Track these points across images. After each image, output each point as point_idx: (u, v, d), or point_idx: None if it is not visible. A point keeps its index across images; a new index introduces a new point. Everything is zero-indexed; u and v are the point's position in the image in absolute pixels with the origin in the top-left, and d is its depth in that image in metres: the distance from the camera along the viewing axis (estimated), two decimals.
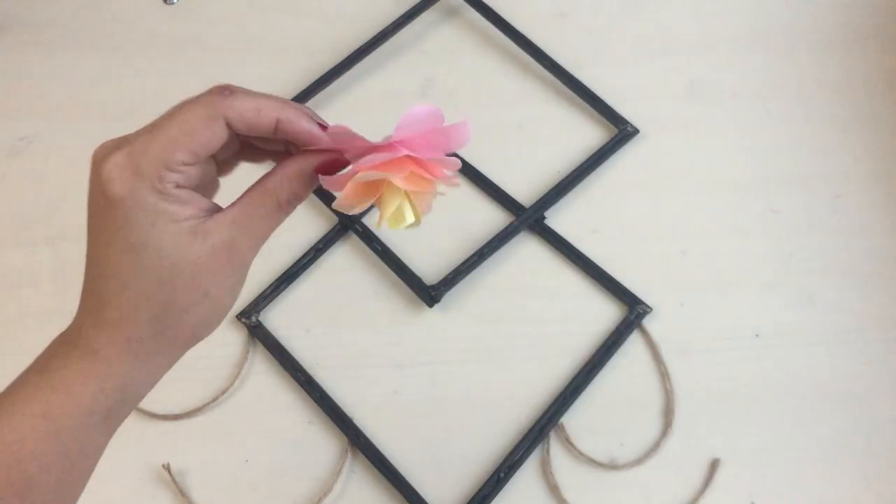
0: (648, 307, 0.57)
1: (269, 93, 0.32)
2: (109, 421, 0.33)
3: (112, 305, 0.32)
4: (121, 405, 0.33)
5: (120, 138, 0.31)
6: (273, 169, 0.34)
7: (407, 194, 0.33)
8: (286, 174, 0.33)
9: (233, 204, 0.33)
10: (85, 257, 0.33)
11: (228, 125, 0.31)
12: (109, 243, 0.31)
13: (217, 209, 0.32)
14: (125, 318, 0.32)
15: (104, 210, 0.30)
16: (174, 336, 0.33)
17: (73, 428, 0.32)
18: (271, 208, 0.33)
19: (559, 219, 0.61)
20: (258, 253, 0.34)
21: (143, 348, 0.32)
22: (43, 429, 0.31)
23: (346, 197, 0.32)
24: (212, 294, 0.32)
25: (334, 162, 0.33)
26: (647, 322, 0.57)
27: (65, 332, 0.34)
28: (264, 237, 0.34)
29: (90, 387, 0.32)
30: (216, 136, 0.31)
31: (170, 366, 0.34)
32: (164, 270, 0.31)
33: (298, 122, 0.32)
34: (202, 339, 0.34)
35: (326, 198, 0.61)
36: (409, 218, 0.33)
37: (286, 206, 0.34)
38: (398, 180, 0.31)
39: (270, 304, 0.59)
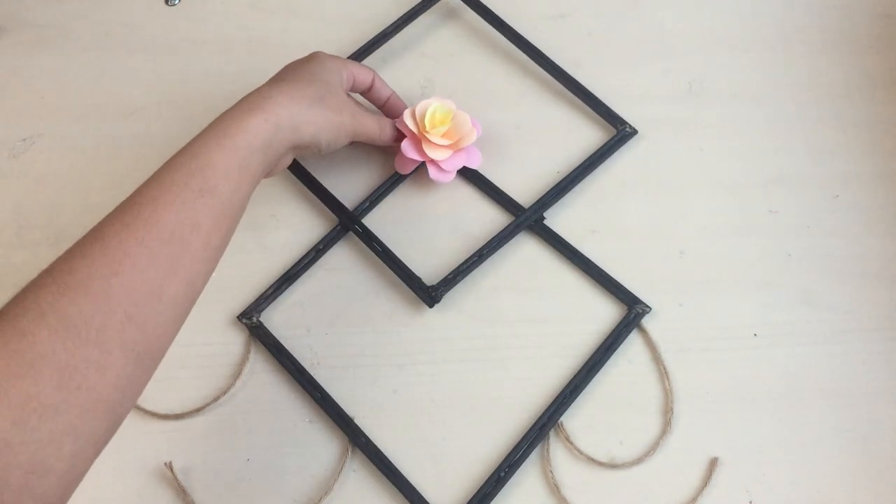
0: (648, 307, 0.57)
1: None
2: (265, 151, 0.47)
3: (289, 84, 0.51)
4: (274, 140, 0.48)
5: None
6: (383, 117, 0.61)
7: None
8: (389, 121, 0.61)
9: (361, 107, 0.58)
10: (270, 80, 0.54)
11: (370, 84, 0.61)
12: (304, 67, 0.55)
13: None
14: (295, 91, 0.51)
15: (309, 60, 0.56)
16: (314, 115, 0.51)
17: (245, 148, 0.46)
18: (375, 130, 0.59)
19: (558, 219, 0.61)
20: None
21: (297, 112, 0.50)
22: (225, 148, 0.45)
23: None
24: (341, 124, 0.54)
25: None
26: (647, 322, 0.57)
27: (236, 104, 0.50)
28: (361, 132, 0.57)
29: (257, 118, 0.47)
30: (368, 83, 0.61)
31: (309, 138, 0.52)
32: (329, 88, 0.54)
33: (397, 106, 0.63)
34: (321, 153, 0.55)
35: (326, 198, 0.61)
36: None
37: (377, 134, 0.59)
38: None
39: (271, 305, 0.59)
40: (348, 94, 0.57)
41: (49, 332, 0.36)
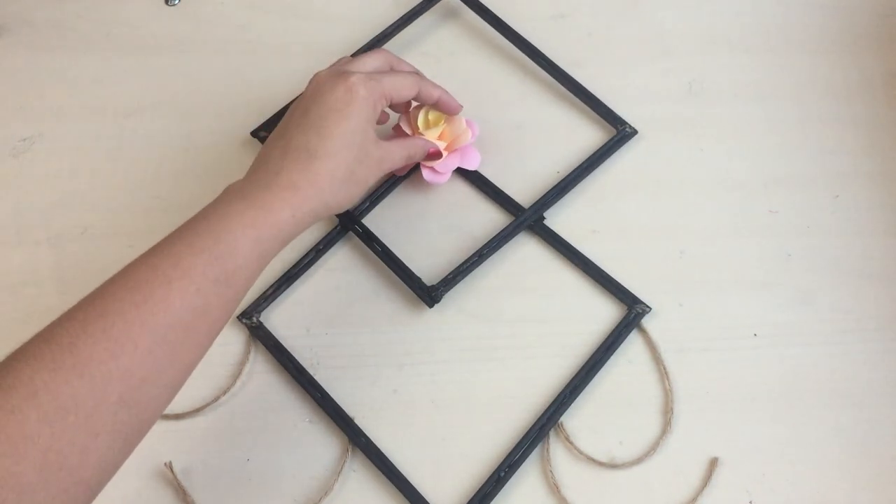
0: (647, 307, 0.57)
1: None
2: (285, 241, 0.46)
3: (324, 160, 0.46)
4: (295, 232, 0.46)
5: (340, 66, 0.52)
6: (407, 138, 0.57)
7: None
8: (421, 141, 0.58)
9: (386, 140, 0.53)
10: (291, 128, 0.48)
11: (416, 94, 0.54)
12: (339, 121, 0.47)
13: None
14: (328, 171, 0.46)
15: (343, 99, 0.47)
16: (341, 198, 0.48)
17: (268, 240, 0.44)
18: (416, 149, 0.57)
19: (558, 219, 0.61)
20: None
21: (326, 196, 0.46)
22: (250, 237, 0.43)
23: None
24: (364, 184, 0.50)
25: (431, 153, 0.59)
26: (647, 322, 0.57)
27: (245, 181, 0.46)
28: (390, 170, 0.54)
29: (285, 212, 0.44)
30: (411, 96, 0.54)
31: (324, 217, 0.48)
32: (360, 152, 0.48)
33: (450, 103, 0.59)
34: (339, 211, 0.51)
35: None
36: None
37: (405, 160, 0.56)
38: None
39: (271, 305, 0.59)
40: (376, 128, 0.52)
41: (39, 414, 0.34)
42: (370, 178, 0.50)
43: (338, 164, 0.46)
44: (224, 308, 0.42)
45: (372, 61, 0.52)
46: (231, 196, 0.45)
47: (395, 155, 0.53)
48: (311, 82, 0.50)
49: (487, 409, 0.55)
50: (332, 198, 0.47)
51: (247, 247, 0.43)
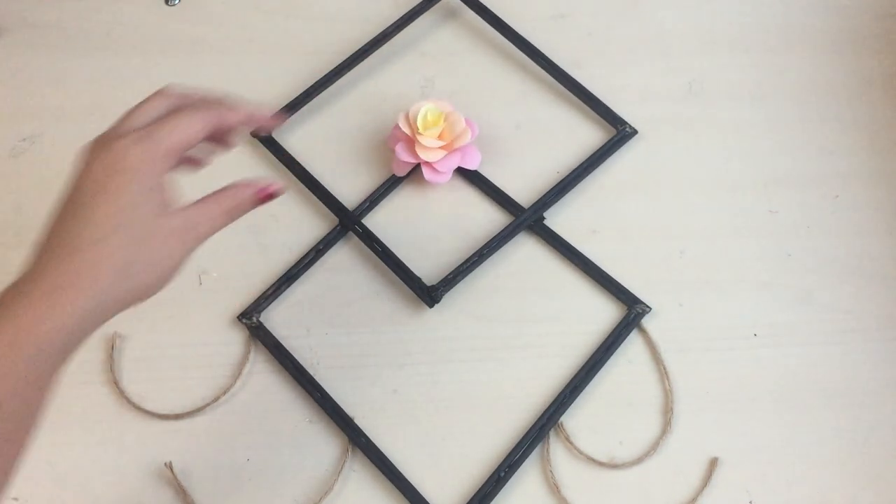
0: (647, 307, 0.57)
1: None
2: (64, 353, 0.36)
3: (88, 250, 0.37)
4: (75, 339, 0.37)
5: (111, 130, 0.41)
6: (226, 187, 0.43)
7: None
8: (246, 185, 0.43)
9: (194, 202, 0.41)
10: (55, 220, 0.38)
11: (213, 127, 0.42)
12: (103, 202, 0.37)
13: (179, 202, 0.40)
14: (97, 262, 0.36)
15: (108, 176, 0.37)
16: (128, 288, 0.38)
17: (35, 357, 0.35)
18: (233, 199, 0.42)
19: (558, 219, 0.61)
20: (200, 247, 0.41)
21: (104, 292, 0.37)
22: (10, 357, 0.34)
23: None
24: (162, 265, 0.39)
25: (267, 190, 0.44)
26: (647, 322, 0.57)
27: (21, 278, 0.37)
28: (208, 235, 0.41)
29: (54, 321, 0.35)
30: (207, 129, 0.41)
31: (114, 314, 0.38)
32: (140, 231, 0.37)
33: (257, 116, 0.46)
34: (142, 301, 0.39)
35: (326, 198, 0.62)
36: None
37: (229, 215, 0.42)
38: None
39: (271, 305, 0.59)
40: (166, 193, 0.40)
41: None
42: (174, 254, 0.39)
43: (109, 252, 0.37)
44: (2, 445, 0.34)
45: (150, 110, 0.42)
46: None
47: (204, 217, 0.41)
48: (79, 159, 0.40)
49: (487, 409, 0.55)
50: (113, 292, 0.37)
51: (11, 370, 0.34)
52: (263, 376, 0.56)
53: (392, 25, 0.68)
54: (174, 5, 0.72)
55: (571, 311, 0.58)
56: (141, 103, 0.42)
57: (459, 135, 0.60)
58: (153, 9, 0.72)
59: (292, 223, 0.62)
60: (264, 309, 0.59)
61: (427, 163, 0.60)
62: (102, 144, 0.39)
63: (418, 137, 0.60)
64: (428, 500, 0.52)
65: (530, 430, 0.53)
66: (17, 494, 0.52)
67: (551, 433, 0.54)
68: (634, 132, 0.64)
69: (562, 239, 0.60)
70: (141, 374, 0.56)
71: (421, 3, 0.70)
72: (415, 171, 0.62)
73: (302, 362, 0.56)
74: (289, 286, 0.59)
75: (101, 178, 0.38)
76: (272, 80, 0.68)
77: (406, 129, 0.60)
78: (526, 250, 0.61)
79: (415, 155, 0.60)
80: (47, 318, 0.35)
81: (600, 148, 0.63)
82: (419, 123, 0.59)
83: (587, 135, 0.65)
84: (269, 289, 0.58)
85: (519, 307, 0.58)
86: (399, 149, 0.61)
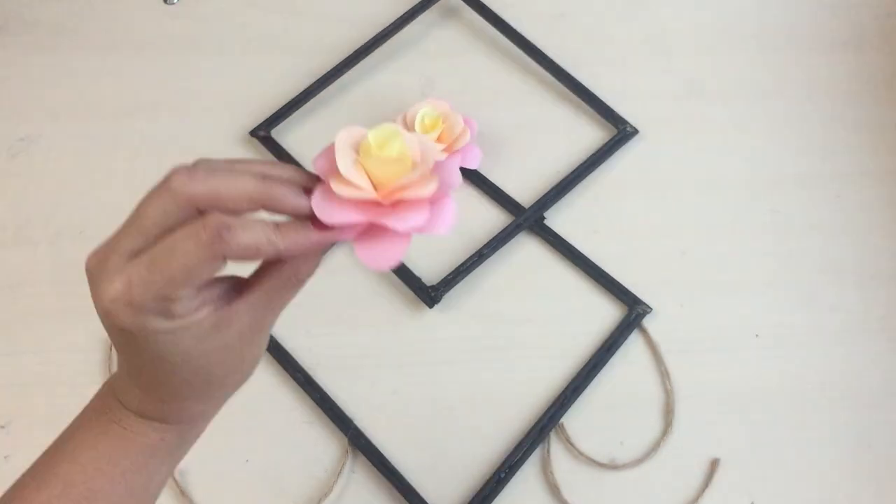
0: (648, 307, 0.57)
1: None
2: (170, 459, 0.36)
3: (159, 389, 0.33)
4: (180, 446, 0.36)
5: (107, 250, 0.32)
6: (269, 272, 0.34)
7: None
8: (305, 255, 0.34)
9: (251, 286, 0.33)
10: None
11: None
12: (136, 353, 0.32)
13: (233, 286, 0.33)
14: (174, 396, 0.34)
15: (117, 334, 0.31)
16: (218, 395, 0.36)
17: (137, 470, 0.34)
18: (291, 286, 0.34)
19: (559, 219, 0.61)
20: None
21: (194, 410, 0.35)
22: (109, 471, 0.33)
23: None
24: (245, 361, 0.34)
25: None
26: (647, 322, 0.57)
27: (113, 388, 0.35)
28: (284, 307, 0.34)
29: (153, 437, 0.34)
30: (216, 270, 0.30)
31: (218, 410, 0.37)
32: (197, 361, 0.32)
33: (299, 246, 0.32)
34: (241, 386, 0.37)
35: None
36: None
37: (304, 281, 0.34)
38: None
39: None
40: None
41: None
42: (252, 346, 0.35)
43: (173, 389, 0.34)
44: None
45: (148, 220, 0.31)
46: (92, 415, 0.36)
47: (261, 305, 0.34)
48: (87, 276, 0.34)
49: (487, 410, 0.55)
50: (205, 407, 0.37)
51: (109, 484, 0.34)
52: (263, 376, 0.56)
53: (391, 25, 0.68)
54: (173, 4, 0.72)
55: (572, 312, 0.58)
56: (144, 203, 0.32)
57: (459, 136, 0.60)
58: (152, 8, 0.72)
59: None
60: None
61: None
62: (95, 282, 0.31)
63: None
64: (428, 501, 0.51)
65: (531, 430, 0.53)
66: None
67: (552, 434, 0.54)
68: (635, 132, 0.64)
69: (562, 239, 0.60)
70: None
71: (421, 2, 0.70)
72: None
73: (301, 362, 0.56)
74: None
75: (113, 334, 0.32)
76: (272, 79, 0.68)
77: None
78: (526, 250, 0.61)
79: None
80: (146, 436, 0.34)
81: (601, 148, 0.63)
82: (417, 127, 0.59)
83: (587, 134, 0.65)
84: None
85: (519, 307, 0.58)
86: None
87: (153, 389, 0.33)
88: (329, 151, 0.32)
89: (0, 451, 0.54)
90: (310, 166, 0.55)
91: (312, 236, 0.31)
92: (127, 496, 0.34)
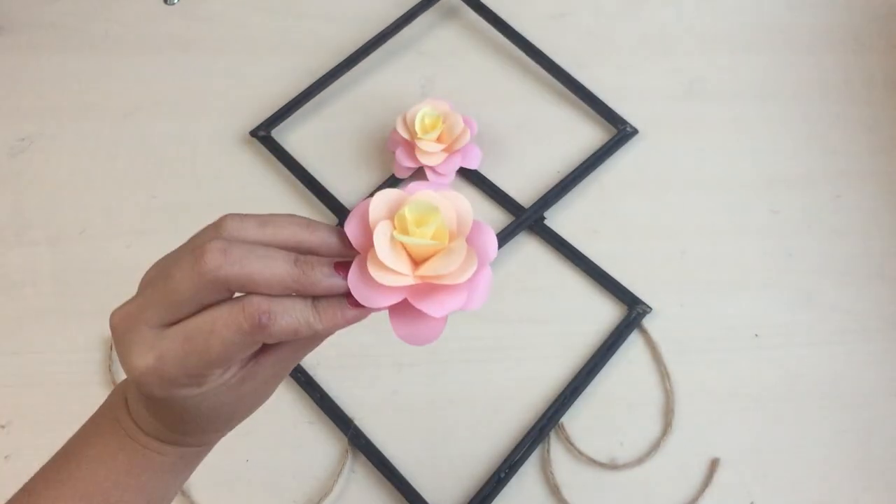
0: (648, 307, 0.57)
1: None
2: (186, 472, 0.37)
3: (182, 427, 0.34)
4: (196, 461, 0.37)
5: (135, 312, 0.30)
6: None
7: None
8: (329, 318, 0.32)
9: (258, 360, 0.33)
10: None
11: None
12: (163, 408, 0.32)
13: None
14: (196, 431, 0.34)
15: (147, 397, 0.32)
16: (238, 423, 0.36)
17: (155, 482, 0.35)
18: (317, 341, 0.34)
19: (559, 219, 0.61)
20: None
21: (214, 438, 0.37)
22: (131, 484, 0.34)
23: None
24: (267, 395, 0.35)
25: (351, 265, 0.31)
26: (647, 322, 0.57)
27: (129, 409, 0.35)
28: (306, 355, 0.34)
29: (172, 455, 0.35)
30: (252, 351, 0.31)
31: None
32: (222, 409, 0.33)
33: (332, 323, 0.31)
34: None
35: (326, 198, 0.61)
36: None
37: (324, 337, 0.33)
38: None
39: None
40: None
41: None
42: (272, 389, 0.36)
43: (200, 433, 0.35)
44: None
45: (181, 291, 0.29)
46: (105, 425, 0.36)
47: (293, 353, 0.34)
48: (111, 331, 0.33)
49: (487, 409, 0.55)
50: (216, 436, 0.37)
51: (126, 497, 0.34)
52: None
53: (391, 25, 0.68)
54: (173, 5, 0.72)
55: (572, 312, 0.58)
56: (171, 281, 0.30)
57: (459, 136, 0.60)
58: (152, 8, 0.72)
59: None
60: None
61: (429, 166, 0.60)
62: (122, 343, 0.31)
63: (417, 142, 0.59)
64: (428, 501, 0.51)
65: (531, 430, 0.53)
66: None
67: (552, 434, 0.54)
68: (635, 132, 0.64)
69: (562, 239, 0.60)
70: None
71: (420, 2, 0.70)
72: (415, 172, 0.62)
73: (302, 362, 0.56)
74: None
75: (136, 386, 0.32)
76: (272, 79, 0.68)
77: (404, 134, 0.60)
78: (526, 250, 0.61)
79: (415, 159, 0.60)
80: (163, 452, 0.35)
81: (601, 148, 0.63)
82: (417, 128, 0.59)
83: (587, 134, 0.65)
84: None
85: (519, 307, 0.58)
86: (399, 153, 0.60)
87: (175, 428, 0.34)
88: (363, 217, 0.30)
89: (0, 451, 0.53)
90: (312, 166, 0.56)
91: (349, 315, 0.31)
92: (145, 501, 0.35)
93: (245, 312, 0.29)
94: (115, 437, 0.34)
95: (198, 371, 0.30)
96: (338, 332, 0.31)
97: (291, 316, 0.30)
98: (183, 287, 0.29)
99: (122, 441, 0.34)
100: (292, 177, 0.63)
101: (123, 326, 0.31)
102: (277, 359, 0.33)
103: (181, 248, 0.31)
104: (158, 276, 0.30)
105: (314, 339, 0.33)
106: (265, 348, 0.32)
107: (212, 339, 0.29)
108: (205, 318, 0.29)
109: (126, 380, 0.35)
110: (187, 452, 0.36)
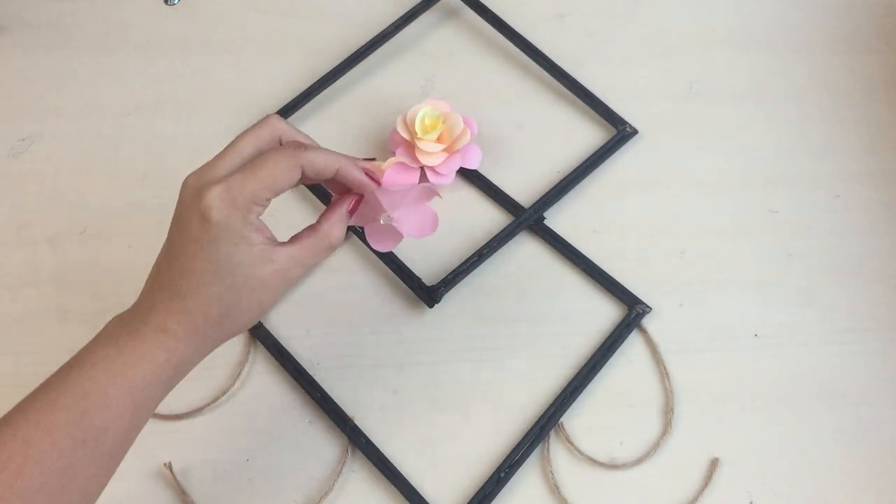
0: (648, 307, 0.57)
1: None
2: (167, 385, 0.41)
3: (189, 299, 0.40)
4: (178, 374, 0.41)
5: (207, 169, 0.40)
6: (322, 216, 0.44)
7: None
8: (334, 220, 0.43)
9: (293, 241, 0.42)
10: (162, 257, 0.41)
11: (302, 171, 0.41)
12: (197, 253, 0.39)
13: (276, 240, 0.42)
14: (198, 309, 0.40)
15: (199, 227, 0.39)
16: (228, 328, 0.41)
17: (143, 388, 0.39)
18: (323, 248, 0.43)
19: (559, 219, 0.61)
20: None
21: (205, 334, 0.41)
22: (121, 386, 0.39)
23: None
24: (263, 303, 0.41)
25: (358, 201, 0.44)
26: (647, 322, 0.57)
27: (127, 313, 0.41)
28: (313, 268, 0.44)
29: (159, 357, 0.39)
30: (293, 180, 0.41)
31: (213, 350, 0.42)
32: (236, 280, 0.40)
33: (352, 173, 0.43)
34: (243, 331, 0.45)
35: (326, 198, 0.61)
36: None
37: (336, 246, 0.43)
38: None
39: None
40: (261, 238, 0.41)
41: None
42: (268, 298, 0.41)
43: (207, 300, 0.40)
44: (98, 467, 0.39)
45: (247, 146, 0.41)
46: (104, 339, 0.41)
47: (295, 262, 0.42)
48: (180, 191, 0.41)
49: (487, 409, 0.55)
50: (212, 334, 0.41)
51: (117, 399, 0.39)
52: (263, 376, 0.56)
53: (392, 25, 0.68)
54: (173, 5, 0.72)
55: (571, 311, 0.58)
56: (242, 135, 0.42)
57: (459, 136, 0.60)
58: (153, 8, 0.72)
59: (292, 223, 0.61)
60: None
61: (429, 167, 0.60)
62: (195, 190, 0.39)
63: (417, 142, 0.59)
64: (428, 500, 0.52)
65: (530, 430, 0.53)
66: None
67: (552, 433, 0.54)
68: (634, 132, 0.64)
69: (562, 239, 0.60)
70: None
71: (421, 2, 0.70)
72: None
73: (301, 362, 0.56)
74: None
75: (193, 228, 0.39)
76: (272, 80, 0.68)
77: (405, 134, 0.60)
78: (526, 250, 0.61)
79: (416, 160, 0.60)
80: (154, 355, 0.39)
81: (600, 148, 0.63)
82: (417, 128, 0.59)
83: (587, 135, 0.65)
84: None
85: (519, 307, 0.58)
86: (400, 154, 0.61)
87: (189, 295, 0.39)
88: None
89: None
90: None
91: (363, 178, 0.43)
92: (131, 411, 0.39)
93: (291, 146, 0.41)
94: (113, 343, 0.40)
95: (254, 192, 0.39)
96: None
97: (323, 151, 0.42)
98: (247, 141, 0.41)
99: (122, 344, 0.39)
100: None
101: (196, 177, 0.40)
102: (289, 253, 0.41)
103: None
104: (229, 146, 0.41)
105: (320, 241, 0.43)
106: (291, 240, 0.42)
107: (266, 163, 0.40)
108: (261, 155, 0.40)
109: (127, 312, 0.41)
110: (176, 355, 0.40)
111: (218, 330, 0.41)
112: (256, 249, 0.40)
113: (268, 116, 0.43)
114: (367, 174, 0.43)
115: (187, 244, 0.39)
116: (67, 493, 0.38)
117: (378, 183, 0.44)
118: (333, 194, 0.46)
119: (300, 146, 0.41)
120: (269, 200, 0.40)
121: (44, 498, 0.37)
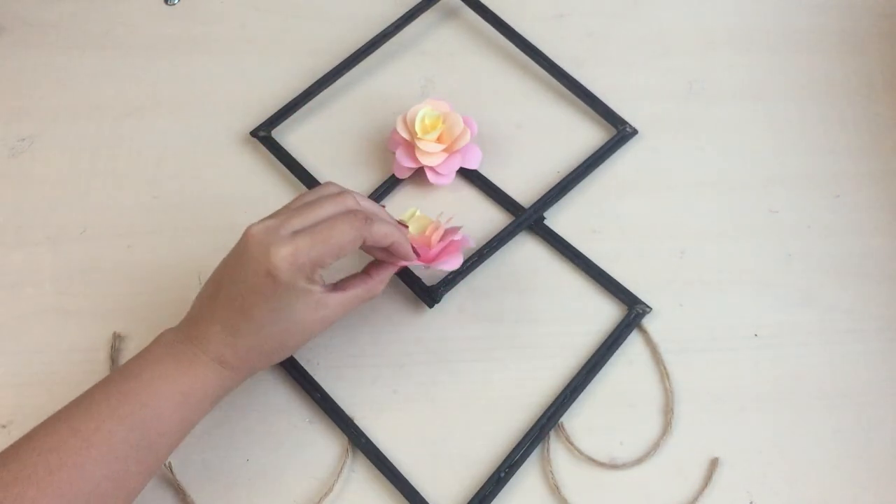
0: (648, 307, 0.57)
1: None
2: (213, 404, 0.47)
3: (247, 338, 0.45)
4: (224, 395, 0.47)
5: (276, 225, 0.44)
6: (372, 273, 0.50)
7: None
8: (383, 277, 0.50)
9: (344, 287, 0.48)
10: (216, 288, 0.46)
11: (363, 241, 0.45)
12: (260, 303, 0.44)
13: (329, 286, 0.47)
14: (254, 349, 0.46)
15: (264, 282, 0.43)
16: (274, 360, 0.48)
17: (194, 405, 0.45)
18: (367, 298, 0.49)
19: (559, 219, 0.61)
20: None
21: (254, 366, 0.47)
22: (177, 402, 0.44)
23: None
24: (307, 340, 0.47)
25: (404, 267, 0.54)
26: (647, 322, 0.57)
27: (182, 334, 0.46)
28: (350, 312, 0.49)
29: (213, 382, 0.45)
30: (355, 248, 0.45)
31: (256, 372, 0.49)
32: (291, 326, 0.45)
33: (404, 247, 0.49)
34: (285, 357, 0.50)
35: None
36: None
37: (374, 297, 0.50)
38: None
39: None
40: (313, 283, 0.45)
41: None
42: (312, 335, 0.47)
43: (263, 340, 0.45)
44: (144, 473, 0.43)
45: (318, 211, 0.45)
46: (163, 355, 0.45)
47: (340, 308, 0.47)
48: (242, 238, 0.45)
49: (487, 409, 0.55)
50: (261, 364, 0.48)
51: (172, 413, 0.44)
52: (263, 376, 0.56)
53: (392, 25, 0.68)
54: (173, 5, 0.72)
55: (571, 311, 0.58)
56: (320, 203, 0.46)
57: (459, 136, 0.60)
58: (153, 8, 0.72)
59: None
60: None
61: (429, 167, 0.60)
62: (262, 246, 0.43)
63: (417, 142, 0.59)
64: (428, 500, 0.52)
65: (530, 430, 0.53)
66: None
67: (551, 433, 0.54)
68: (634, 132, 0.64)
69: (562, 239, 0.60)
70: None
71: (421, 2, 0.70)
72: (415, 172, 0.62)
73: (302, 362, 0.56)
74: None
75: (259, 283, 0.43)
76: (272, 79, 0.68)
77: (404, 134, 0.60)
78: (526, 250, 0.61)
79: (415, 159, 0.60)
80: (209, 379, 0.45)
81: (600, 148, 0.63)
82: (417, 128, 0.59)
83: (587, 134, 0.65)
84: None
85: (519, 307, 0.58)
86: (399, 154, 0.61)
87: (248, 335, 0.45)
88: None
89: None
90: (313, 166, 0.61)
91: (410, 253, 0.50)
92: (181, 424, 0.45)
93: (358, 214, 0.45)
94: (173, 362, 0.44)
95: (320, 258, 0.43)
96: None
97: (385, 224, 0.47)
98: (323, 210, 0.45)
99: (181, 365, 0.44)
100: (292, 177, 0.63)
101: (263, 233, 0.44)
102: (339, 300, 0.47)
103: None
104: (302, 206, 0.46)
105: (366, 292, 0.49)
106: (339, 285, 0.48)
107: (333, 231, 0.44)
108: (329, 221, 0.44)
109: (175, 329, 0.47)
110: (226, 382, 0.46)
111: (265, 362, 0.48)
112: (312, 299, 0.45)
113: (345, 192, 0.47)
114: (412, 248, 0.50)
115: (250, 294, 0.44)
116: (115, 496, 0.41)
117: (418, 255, 0.52)
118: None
119: (366, 219, 0.45)
120: (331, 264, 0.44)
121: (97, 499, 0.40)
